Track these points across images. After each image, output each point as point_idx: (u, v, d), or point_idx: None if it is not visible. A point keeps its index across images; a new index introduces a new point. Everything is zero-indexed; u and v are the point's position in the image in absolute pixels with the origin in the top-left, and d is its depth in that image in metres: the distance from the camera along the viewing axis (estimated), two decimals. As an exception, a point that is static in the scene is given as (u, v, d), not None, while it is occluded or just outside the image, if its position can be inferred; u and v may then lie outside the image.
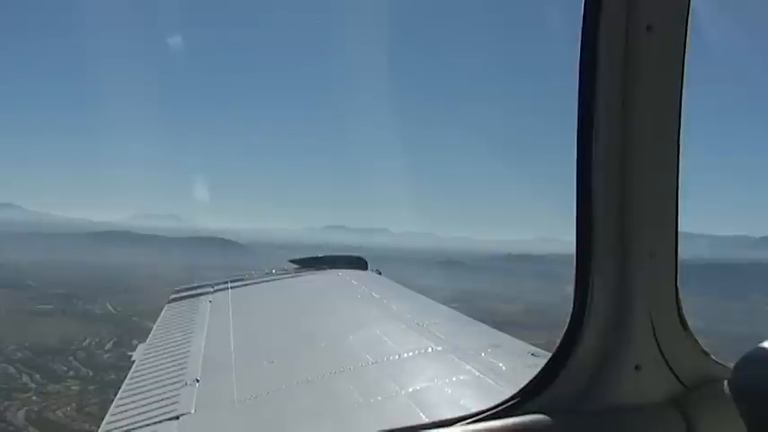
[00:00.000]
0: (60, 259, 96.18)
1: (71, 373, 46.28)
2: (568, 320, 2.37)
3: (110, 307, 62.60)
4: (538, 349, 4.39)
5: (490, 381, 3.88)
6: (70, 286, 70.01)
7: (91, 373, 45.76)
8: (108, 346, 51.19)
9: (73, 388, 43.73)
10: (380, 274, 8.91)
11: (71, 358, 48.58)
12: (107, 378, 44.07)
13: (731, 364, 2.02)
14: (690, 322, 2.40)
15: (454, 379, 4.02)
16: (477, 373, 4.03)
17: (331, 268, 9.06)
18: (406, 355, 4.66)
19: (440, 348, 4.71)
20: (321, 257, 9.57)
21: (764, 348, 1.82)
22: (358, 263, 9.16)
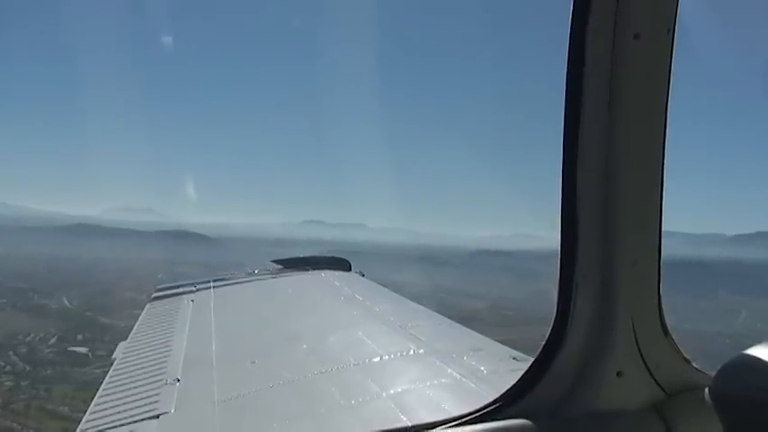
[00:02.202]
0: (28, 253, 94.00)
1: (8, 368, 45.25)
2: (551, 326, 2.40)
3: (66, 301, 61.25)
4: (519, 353, 4.43)
5: (471, 384, 3.90)
6: (31, 280, 68.13)
7: (28, 369, 44.98)
8: (52, 341, 50.06)
9: (6, 383, 42.85)
10: (364, 275, 8.93)
11: (11, 353, 47.38)
12: (43, 374, 43.75)
13: (712, 372, 2.08)
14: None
15: (435, 382, 4.03)
16: (459, 377, 4.05)
17: (314, 269, 9.05)
18: (387, 357, 4.68)
19: (422, 351, 4.73)
20: (304, 258, 9.56)
21: (745, 356, 1.85)
22: (341, 264, 9.15)
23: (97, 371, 43.22)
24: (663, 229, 2.32)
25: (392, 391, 3.96)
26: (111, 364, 5.77)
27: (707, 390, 1.96)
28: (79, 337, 49.84)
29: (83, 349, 47.51)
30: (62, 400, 39.91)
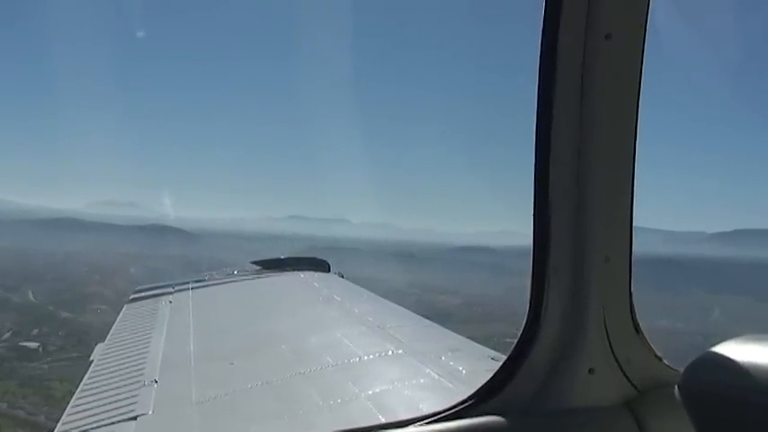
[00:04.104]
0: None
1: (-46, 363, 44.30)
2: (524, 323, 2.41)
3: (31, 296, 59.65)
4: (497, 353, 4.47)
5: (449, 384, 3.94)
6: (-1, 274, 67.11)
7: (-25, 364, 44.03)
8: (6, 335, 48.77)
9: (-51, 379, 42.08)
10: (343, 276, 8.95)
11: (-40, 348, 46.39)
12: (-11, 370, 43.19)
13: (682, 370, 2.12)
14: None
15: (414, 382, 4.07)
16: (437, 377, 4.08)
17: (293, 270, 9.04)
18: (366, 357, 4.70)
19: (400, 351, 4.76)
20: (283, 259, 9.56)
21: (712, 353, 1.88)
22: (320, 265, 9.16)
23: (45, 366, 42.44)
24: (636, 225, 2.34)
25: (370, 392, 3.98)
26: (89, 365, 5.75)
27: (676, 386, 2.01)
28: (35, 331, 48.99)
29: (34, 344, 46.75)
30: (2, 397, 38.62)
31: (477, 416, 2.38)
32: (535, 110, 2.26)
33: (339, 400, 3.96)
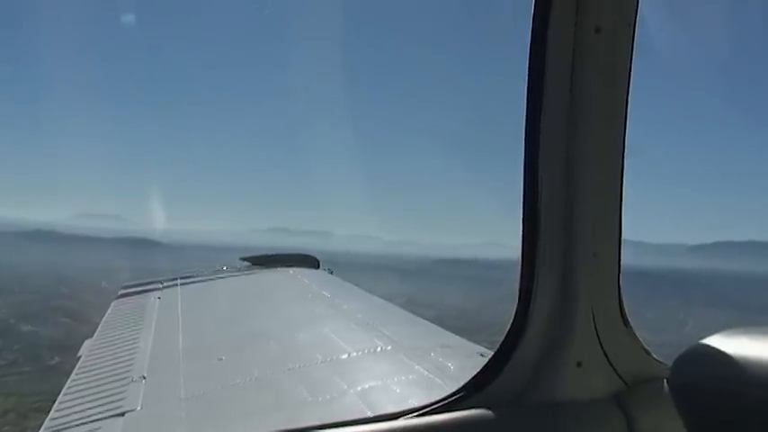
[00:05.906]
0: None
1: None
2: (512, 316, 2.41)
3: None
4: (486, 350, 4.49)
5: (438, 380, 3.91)
6: (-37, 287, 65.42)
7: None
8: None
9: None
10: (332, 273, 8.95)
11: None
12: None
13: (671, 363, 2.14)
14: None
15: (403, 378, 4.05)
16: (426, 373, 4.07)
17: (283, 266, 9.02)
18: (355, 354, 4.68)
19: (389, 348, 4.74)
20: (273, 255, 9.50)
21: (702, 345, 1.89)
22: (310, 262, 9.16)
23: (-11, 380, 41.83)
24: (625, 238, 2.36)
25: (359, 388, 3.96)
26: (77, 361, 5.71)
27: (665, 380, 2.03)
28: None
29: (-19, 358, 45.90)
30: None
31: (465, 408, 2.38)
32: (524, 103, 2.27)
33: (328, 396, 3.94)
